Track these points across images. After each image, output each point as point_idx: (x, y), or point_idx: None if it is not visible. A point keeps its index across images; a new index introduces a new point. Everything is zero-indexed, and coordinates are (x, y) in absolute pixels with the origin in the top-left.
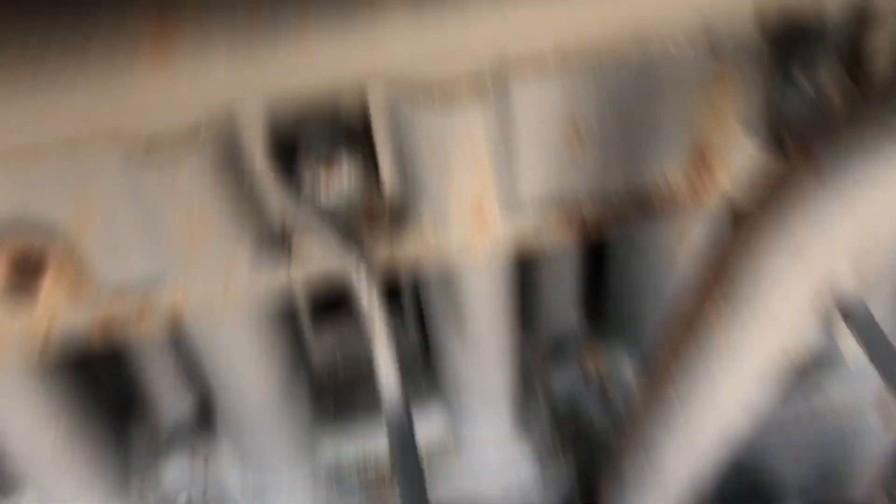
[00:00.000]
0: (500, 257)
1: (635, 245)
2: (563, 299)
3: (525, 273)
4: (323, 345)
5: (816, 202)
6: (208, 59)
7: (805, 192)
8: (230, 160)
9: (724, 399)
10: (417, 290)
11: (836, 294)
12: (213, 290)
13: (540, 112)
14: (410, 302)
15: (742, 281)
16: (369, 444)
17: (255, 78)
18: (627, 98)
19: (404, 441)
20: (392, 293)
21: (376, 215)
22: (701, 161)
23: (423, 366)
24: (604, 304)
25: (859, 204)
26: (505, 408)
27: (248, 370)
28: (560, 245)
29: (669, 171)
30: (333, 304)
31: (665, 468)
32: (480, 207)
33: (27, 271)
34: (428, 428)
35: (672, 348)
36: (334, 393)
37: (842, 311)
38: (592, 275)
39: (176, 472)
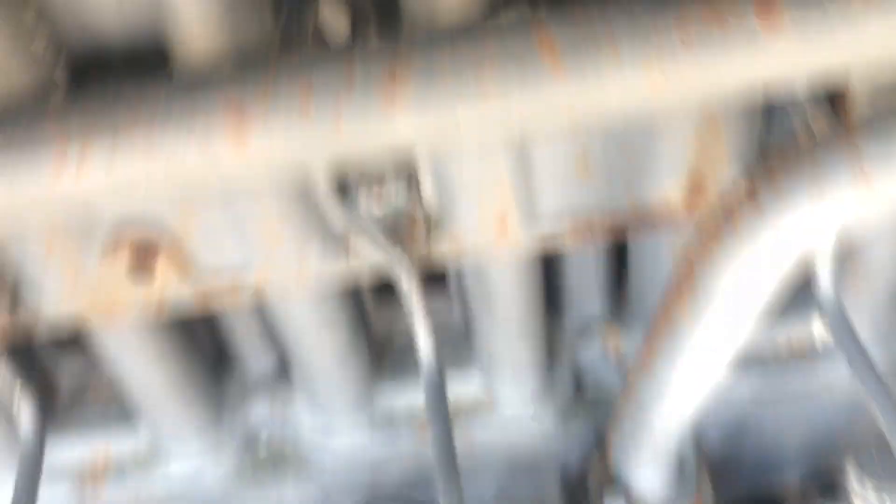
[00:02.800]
0: (520, 256)
1: (649, 243)
2: (589, 287)
3: (557, 265)
4: (382, 316)
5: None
6: (279, 143)
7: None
8: (300, 188)
9: (695, 366)
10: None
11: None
12: (288, 276)
13: (553, 147)
14: (455, 286)
15: (703, 271)
16: (415, 397)
17: (320, 150)
18: (628, 134)
19: (437, 396)
20: (440, 277)
21: (417, 222)
22: (695, 184)
23: (466, 338)
24: (626, 292)
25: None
26: (531, 375)
27: (318, 334)
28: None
29: (667, 191)
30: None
31: (652, 422)
32: (503, 219)
33: (146, 256)
34: (467, 387)
35: (658, 324)
36: (389, 355)
37: (817, 302)
38: (616, 267)
39: (259, 413)
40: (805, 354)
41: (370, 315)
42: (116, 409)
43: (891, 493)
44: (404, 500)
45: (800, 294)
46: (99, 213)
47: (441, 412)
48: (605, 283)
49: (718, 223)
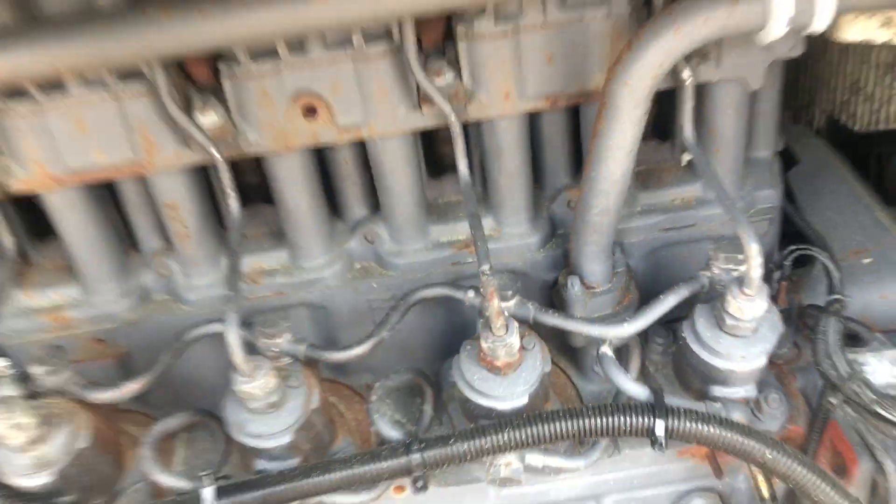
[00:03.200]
0: (517, 121)
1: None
2: (558, 162)
3: (538, 147)
4: (432, 186)
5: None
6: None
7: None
8: (399, 59)
9: (612, 164)
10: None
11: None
12: (387, 127)
13: (533, 48)
14: (477, 148)
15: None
16: (453, 231)
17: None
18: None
19: (471, 202)
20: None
21: (460, 92)
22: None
23: (483, 188)
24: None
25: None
26: (524, 217)
27: (399, 177)
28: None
29: (596, 78)
30: None
31: (592, 220)
32: (508, 94)
33: (310, 111)
34: (485, 225)
35: (591, 145)
36: (436, 210)
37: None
38: (576, 145)
39: (355, 244)
40: (690, 205)
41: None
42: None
43: (735, 261)
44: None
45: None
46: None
47: (474, 211)
48: (569, 158)
49: (620, 55)
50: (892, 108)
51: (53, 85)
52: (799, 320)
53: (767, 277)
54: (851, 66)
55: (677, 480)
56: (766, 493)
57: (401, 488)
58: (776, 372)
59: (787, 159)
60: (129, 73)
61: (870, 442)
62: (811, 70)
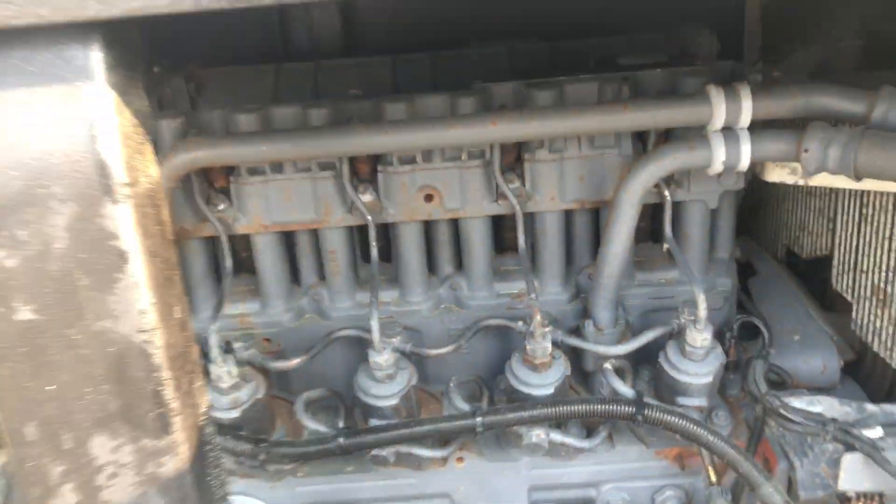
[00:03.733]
0: (559, 215)
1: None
2: (583, 244)
3: (569, 233)
4: None
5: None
6: None
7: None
8: None
9: (614, 247)
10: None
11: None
12: (474, 213)
13: (571, 170)
14: (529, 235)
15: (617, 195)
16: (514, 286)
17: None
18: (599, 168)
19: (529, 282)
20: None
21: (522, 196)
22: None
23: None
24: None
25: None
26: (559, 282)
27: (478, 247)
28: (581, 216)
29: None
30: None
31: (602, 282)
32: (553, 198)
33: (429, 198)
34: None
35: (603, 228)
36: (503, 269)
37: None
38: (595, 232)
39: (443, 290)
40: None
41: None
42: (388, 280)
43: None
44: None
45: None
46: None
47: (527, 273)
48: (590, 245)
49: (624, 176)
50: (824, 241)
51: (275, 167)
52: (745, 369)
53: (721, 338)
54: (800, 212)
55: (655, 476)
56: (713, 479)
57: (461, 459)
58: (728, 405)
59: (750, 271)
60: (324, 165)
61: (784, 446)
62: (775, 215)
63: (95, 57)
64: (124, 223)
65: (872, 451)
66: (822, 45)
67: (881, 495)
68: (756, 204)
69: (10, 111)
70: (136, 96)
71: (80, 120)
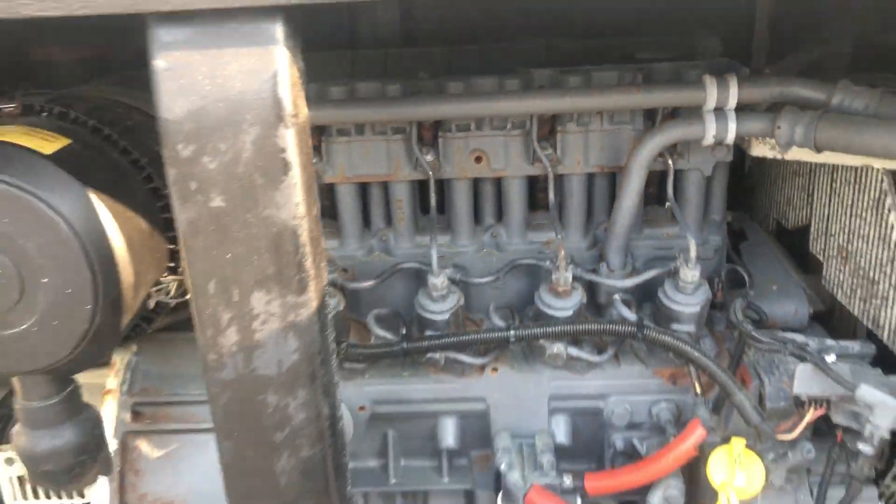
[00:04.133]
0: (583, 177)
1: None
2: (602, 202)
3: (590, 193)
4: None
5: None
6: None
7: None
8: None
9: (627, 202)
10: None
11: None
12: (514, 173)
13: (594, 140)
14: (558, 194)
15: (630, 160)
16: (544, 236)
17: None
18: (617, 139)
19: (558, 231)
20: None
21: (553, 161)
22: None
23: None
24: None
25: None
26: (581, 233)
27: (516, 202)
28: (601, 179)
29: None
30: None
31: (615, 230)
32: (579, 163)
33: (478, 160)
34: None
35: (618, 188)
36: (535, 223)
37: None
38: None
39: (486, 237)
40: (672, 237)
41: None
42: (441, 228)
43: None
44: None
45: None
46: None
47: (556, 224)
48: (607, 203)
49: (635, 146)
50: (804, 213)
51: (358, 130)
52: (729, 305)
53: (711, 283)
54: (786, 189)
55: (652, 391)
56: (698, 392)
57: (495, 370)
58: (713, 337)
59: (743, 238)
60: (396, 129)
61: (756, 368)
62: (767, 193)
63: (279, 29)
64: (290, 142)
65: (819, 362)
66: (814, 51)
67: (828, 400)
68: (752, 185)
69: (222, 63)
70: (298, 58)
71: (266, 71)
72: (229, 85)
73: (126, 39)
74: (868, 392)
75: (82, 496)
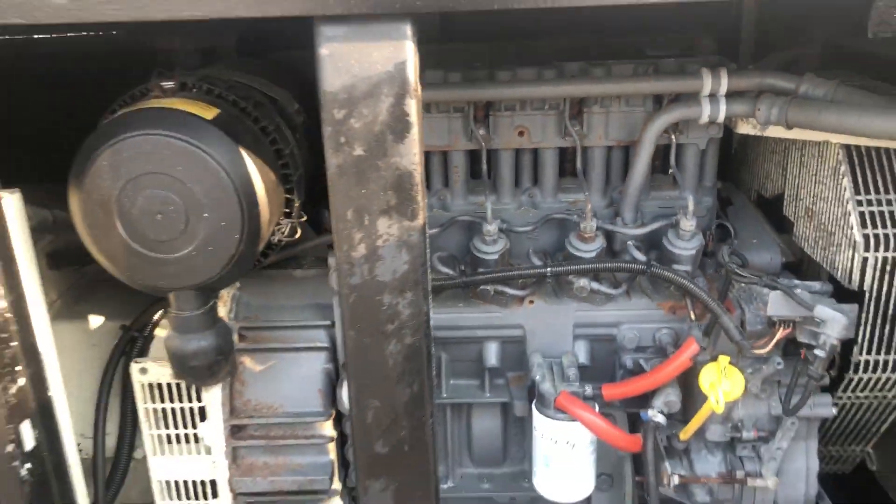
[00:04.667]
0: (604, 149)
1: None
2: (618, 170)
3: (608, 164)
4: None
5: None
6: None
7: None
8: None
9: (640, 168)
10: None
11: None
12: (549, 144)
13: (614, 119)
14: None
15: (643, 134)
16: (571, 197)
17: None
18: (632, 119)
19: (586, 190)
20: None
21: (580, 134)
22: None
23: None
24: None
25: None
26: (601, 194)
27: (549, 168)
28: (617, 152)
29: None
30: None
31: (629, 193)
32: (601, 137)
33: (521, 133)
34: (582, 196)
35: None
36: (563, 187)
37: None
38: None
39: (523, 197)
40: (674, 199)
41: None
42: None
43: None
44: None
45: None
46: None
47: (583, 186)
48: (621, 172)
49: (646, 123)
50: (779, 183)
51: (425, 108)
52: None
53: (704, 234)
54: (765, 164)
55: (656, 321)
56: (693, 318)
57: (531, 302)
58: (705, 278)
59: (730, 204)
60: (456, 108)
61: (739, 300)
62: (751, 168)
63: (408, 29)
64: (412, 109)
65: (787, 290)
66: (789, 52)
67: (794, 322)
68: (741, 159)
69: (367, 52)
70: (417, 49)
71: (398, 58)
72: (372, 67)
73: (231, 33)
74: (822, 310)
75: (200, 400)
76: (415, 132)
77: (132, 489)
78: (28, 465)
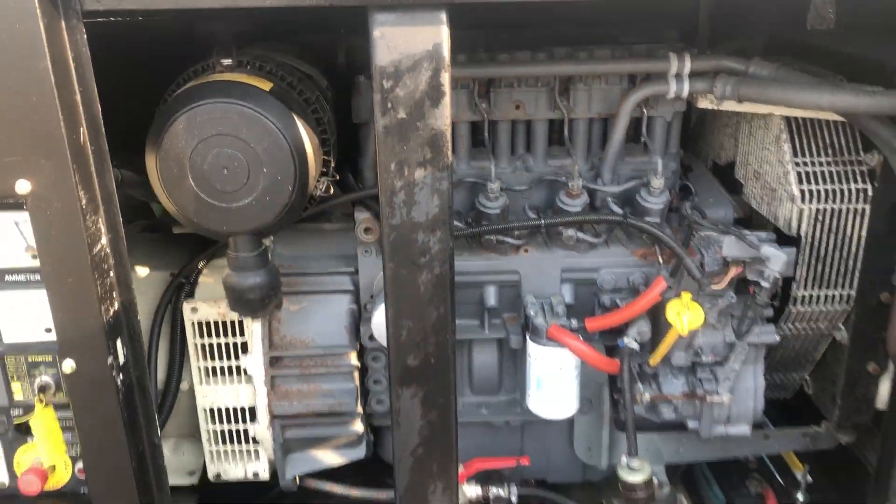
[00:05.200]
0: (588, 121)
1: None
2: (600, 136)
3: (591, 132)
4: None
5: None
6: None
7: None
8: None
9: (619, 130)
10: None
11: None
12: (542, 116)
13: (598, 94)
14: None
15: (622, 105)
16: (558, 162)
17: None
18: (613, 94)
19: (574, 155)
20: None
21: (569, 108)
22: None
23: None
24: None
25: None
26: (584, 158)
27: (540, 135)
28: (599, 121)
29: None
30: None
31: (608, 156)
32: (588, 109)
33: (517, 107)
34: (570, 162)
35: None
36: (553, 153)
37: None
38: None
39: (517, 163)
40: (646, 164)
41: None
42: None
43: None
44: None
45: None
46: None
47: (571, 152)
48: (602, 139)
49: (623, 98)
50: (732, 152)
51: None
52: (681, 208)
53: (669, 192)
54: (719, 135)
55: (630, 266)
56: (661, 261)
57: (526, 250)
58: (671, 230)
59: (690, 170)
60: (462, 84)
61: (699, 246)
62: (708, 139)
63: (443, 16)
64: (446, 81)
65: (738, 234)
66: (739, 40)
67: (745, 262)
68: (699, 133)
69: (411, 34)
70: (448, 33)
71: (436, 39)
72: (415, 47)
73: (262, 18)
74: (767, 249)
75: (242, 335)
76: (446, 100)
77: (169, 423)
78: (121, 377)
